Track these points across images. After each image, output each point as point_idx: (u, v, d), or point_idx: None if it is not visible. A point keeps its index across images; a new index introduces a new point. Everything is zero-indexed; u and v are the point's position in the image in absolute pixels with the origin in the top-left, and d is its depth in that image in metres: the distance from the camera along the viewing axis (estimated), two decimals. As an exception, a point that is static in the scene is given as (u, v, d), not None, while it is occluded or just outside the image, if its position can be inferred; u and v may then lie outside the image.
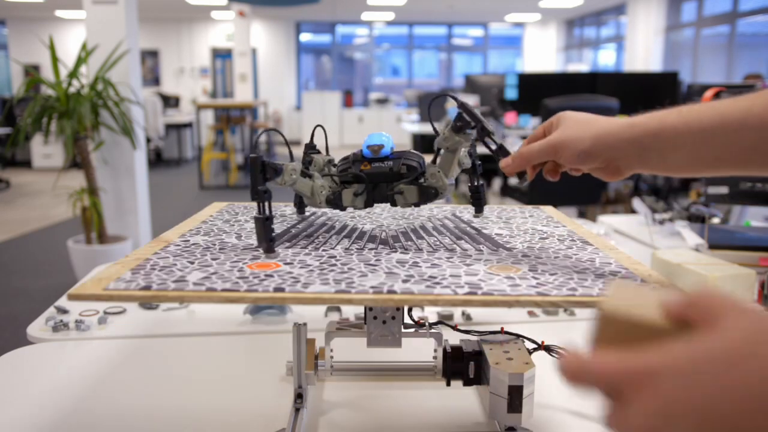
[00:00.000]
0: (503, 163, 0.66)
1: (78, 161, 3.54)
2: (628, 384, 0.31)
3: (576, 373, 0.33)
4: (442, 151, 0.79)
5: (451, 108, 4.20)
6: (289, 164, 0.75)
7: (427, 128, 5.00)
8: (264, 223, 0.69)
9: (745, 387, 0.27)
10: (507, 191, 4.34)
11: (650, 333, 0.33)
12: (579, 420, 0.76)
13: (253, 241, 0.77)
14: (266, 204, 0.69)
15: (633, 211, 1.91)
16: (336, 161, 0.84)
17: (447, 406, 0.79)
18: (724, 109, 0.53)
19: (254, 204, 0.72)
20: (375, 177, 0.80)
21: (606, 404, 0.33)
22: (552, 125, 0.63)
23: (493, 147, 0.74)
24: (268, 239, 0.69)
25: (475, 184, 0.85)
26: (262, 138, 8.62)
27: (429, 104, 0.82)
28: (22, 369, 0.90)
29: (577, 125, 0.60)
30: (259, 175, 0.70)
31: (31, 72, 3.72)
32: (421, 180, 0.79)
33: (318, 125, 0.85)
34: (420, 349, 0.86)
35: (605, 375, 0.32)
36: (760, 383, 0.26)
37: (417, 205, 0.80)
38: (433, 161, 0.80)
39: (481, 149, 0.83)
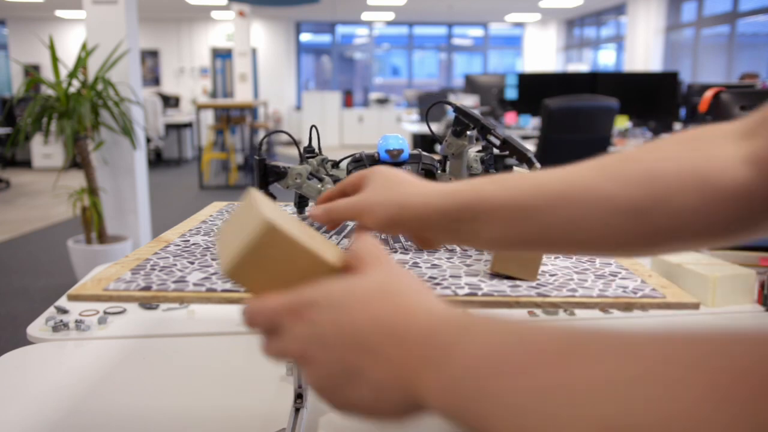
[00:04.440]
0: (312, 211, 0.55)
1: (78, 161, 3.55)
2: (289, 315, 0.38)
3: (252, 317, 0.39)
4: (449, 158, 0.78)
5: (451, 109, 4.20)
6: (295, 168, 0.75)
7: (427, 128, 5.00)
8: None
9: (378, 317, 0.36)
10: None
11: (310, 263, 0.40)
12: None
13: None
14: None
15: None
16: (328, 158, 0.83)
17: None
18: (541, 180, 0.48)
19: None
20: None
21: (264, 338, 0.39)
22: (362, 180, 0.55)
23: (497, 142, 0.74)
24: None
25: None
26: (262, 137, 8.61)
27: (426, 111, 0.82)
28: (22, 369, 0.90)
29: (384, 188, 0.52)
30: (264, 178, 0.70)
31: (31, 72, 3.73)
32: None
33: (312, 125, 0.84)
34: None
35: (272, 311, 0.38)
36: (387, 316, 0.36)
37: None
38: (443, 169, 0.79)
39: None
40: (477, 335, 0.32)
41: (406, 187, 0.52)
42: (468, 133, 0.75)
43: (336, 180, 0.79)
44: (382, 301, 0.37)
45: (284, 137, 11.46)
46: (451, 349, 0.32)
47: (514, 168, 0.79)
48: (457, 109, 0.75)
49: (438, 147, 0.79)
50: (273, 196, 0.70)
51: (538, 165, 0.76)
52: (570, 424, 0.24)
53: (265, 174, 0.71)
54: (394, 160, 0.77)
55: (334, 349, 0.36)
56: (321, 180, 0.77)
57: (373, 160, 0.78)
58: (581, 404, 0.24)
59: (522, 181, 0.48)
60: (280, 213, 0.43)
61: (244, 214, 0.43)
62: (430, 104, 0.86)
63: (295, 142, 0.82)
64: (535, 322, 0.33)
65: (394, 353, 0.34)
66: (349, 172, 0.80)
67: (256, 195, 0.44)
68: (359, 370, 0.35)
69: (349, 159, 0.82)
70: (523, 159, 0.76)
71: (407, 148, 0.78)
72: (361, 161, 0.79)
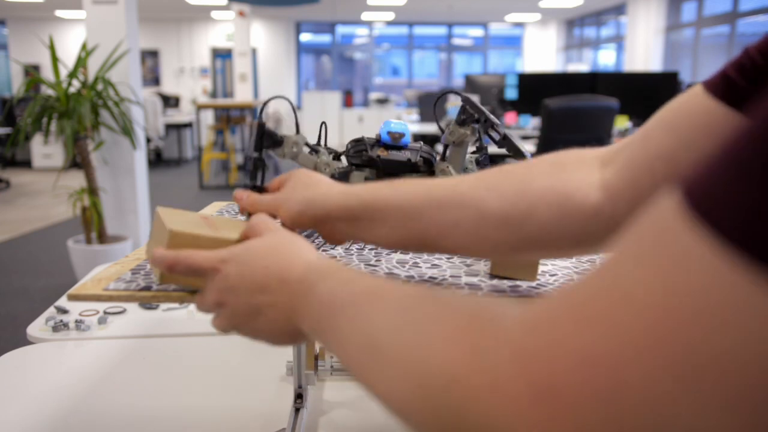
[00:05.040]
0: (237, 194, 0.64)
1: (78, 161, 3.55)
2: (209, 270, 0.48)
3: (171, 265, 0.49)
4: (450, 146, 0.79)
5: (451, 108, 4.20)
6: (291, 137, 0.74)
7: (427, 128, 5.00)
8: (252, 191, 0.69)
9: (269, 267, 0.46)
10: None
11: (214, 244, 0.53)
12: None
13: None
14: (258, 172, 0.69)
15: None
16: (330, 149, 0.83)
17: (447, 407, 0.79)
18: (431, 185, 0.55)
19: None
20: (391, 165, 0.77)
21: (197, 299, 0.51)
22: (283, 181, 0.63)
23: (497, 138, 0.75)
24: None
25: None
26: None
27: (435, 102, 0.83)
28: (22, 369, 0.90)
29: (296, 187, 0.60)
30: (259, 141, 0.70)
31: (31, 72, 3.72)
32: (435, 175, 0.79)
33: (323, 122, 0.84)
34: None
35: (194, 264, 0.49)
36: (276, 265, 0.45)
37: None
38: (442, 158, 0.80)
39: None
40: (328, 279, 0.41)
41: (315, 187, 0.59)
42: (472, 124, 0.76)
43: (341, 173, 0.79)
44: (273, 255, 0.46)
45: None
46: (313, 290, 0.41)
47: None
48: (466, 99, 0.75)
49: (438, 146, 0.79)
50: (263, 163, 0.70)
51: None
52: (351, 339, 0.35)
53: (261, 138, 0.71)
54: (395, 143, 0.78)
55: (239, 294, 0.46)
56: (317, 152, 0.77)
57: (375, 142, 0.79)
58: (362, 325, 0.35)
59: (414, 187, 0.55)
60: (185, 217, 0.58)
61: (157, 229, 0.58)
62: (436, 98, 0.87)
63: (294, 111, 0.82)
64: (375, 274, 0.48)
65: (280, 294, 0.44)
66: (347, 151, 0.80)
67: (162, 211, 0.58)
68: (259, 308, 0.45)
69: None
70: (520, 156, 0.77)
71: (409, 134, 0.78)
72: (361, 141, 0.79)
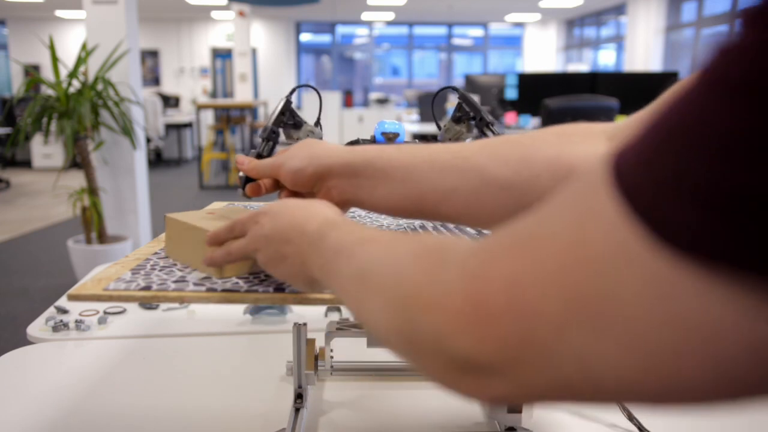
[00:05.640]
0: (239, 158, 0.65)
1: (78, 161, 3.55)
2: (249, 222, 0.54)
3: (235, 225, 0.56)
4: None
5: (451, 108, 4.20)
6: (309, 125, 0.75)
7: (427, 128, 5.00)
8: (257, 159, 0.69)
9: (295, 220, 0.50)
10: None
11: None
12: (579, 420, 0.76)
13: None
14: (270, 144, 0.70)
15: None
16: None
17: (447, 406, 0.79)
18: (436, 149, 0.55)
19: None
20: None
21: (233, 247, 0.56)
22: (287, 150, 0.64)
23: (492, 137, 0.75)
24: (251, 178, 0.67)
25: None
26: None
27: (432, 98, 0.83)
28: (22, 369, 0.90)
29: (301, 148, 0.61)
30: (280, 116, 0.71)
31: (31, 72, 3.72)
32: None
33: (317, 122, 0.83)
34: (420, 349, 0.86)
35: (241, 221, 0.55)
36: (300, 218, 0.49)
37: None
38: None
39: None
40: (337, 230, 0.45)
41: (319, 146, 0.60)
42: (468, 122, 0.76)
43: None
44: (298, 209, 0.51)
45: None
46: (324, 240, 0.45)
47: None
48: (462, 96, 0.76)
49: (440, 137, 0.80)
50: (276, 136, 0.71)
51: None
52: (346, 276, 0.40)
53: (283, 114, 0.71)
54: (390, 143, 0.78)
55: (270, 242, 0.51)
56: None
57: (369, 143, 0.78)
58: (356, 263, 0.39)
59: (419, 150, 0.56)
60: (197, 216, 0.66)
61: (176, 232, 0.66)
62: (434, 95, 0.87)
63: (318, 94, 0.82)
64: (375, 227, 0.55)
65: (299, 244, 0.48)
66: None
67: (174, 216, 0.66)
68: (284, 255, 0.50)
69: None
70: None
71: (403, 133, 0.78)
72: (357, 143, 0.79)
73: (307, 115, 11.39)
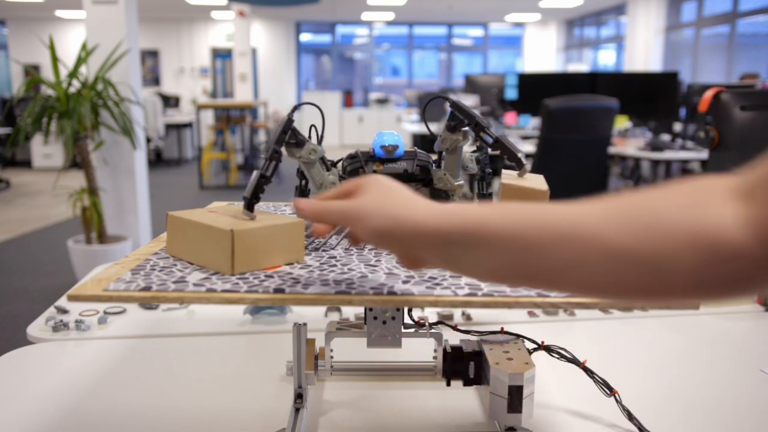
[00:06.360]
0: (299, 204, 0.55)
1: (78, 161, 3.55)
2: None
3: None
4: (444, 154, 0.78)
5: (449, 110, 4.20)
6: (312, 144, 0.75)
7: (427, 129, 5.00)
8: (260, 179, 0.69)
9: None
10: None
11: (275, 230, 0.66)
12: (579, 420, 0.76)
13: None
14: (273, 164, 0.70)
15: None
16: (326, 157, 0.82)
17: (447, 406, 0.79)
18: (552, 216, 0.46)
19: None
20: None
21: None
22: (358, 188, 0.54)
23: (490, 141, 0.75)
24: (254, 196, 0.69)
25: (484, 192, 0.82)
26: (262, 137, 8.61)
27: (423, 107, 0.82)
28: (22, 369, 0.90)
29: (381, 198, 0.51)
30: (282, 135, 0.71)
31: (31, 72, 3.73)
32: (434, 182, 0.79)
33: (312, 125, 0.83)
34: (420, 350, 0.86)
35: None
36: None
37: None
38: (438, 165, 0.79)
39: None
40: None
41: (404, 200, 0.50)
42: (463, 129, 0.75)
43: (341, 176, 0.79)
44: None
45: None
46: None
47: (503, 171, 0.80)
48: (453, 104, 0.75)
49: (436, 146, 0.79)
50: (279, 156, 0.71)
51: (528, 166, 0.78)
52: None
53: (286, 133, 0.71)
54: (389, 156, 0.77)
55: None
56: (329, 169, 0.77)
57: (369, 157, 0.78)
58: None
59: (526, 214, 0.47)
60: (199, 212, 0.70)
61: (183, 229, 0.69)
62: (425, 102, 0.86)
63: (321, 113, 0.81)
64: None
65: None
66: (344, 168, 0.79)
67: (175, 214, 0.70)
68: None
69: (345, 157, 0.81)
70: (514, 159, 0.77)
71: (402, 145, 0.78)
72: (356, 158, 0.79)
73: (308, 113, 11.40)
